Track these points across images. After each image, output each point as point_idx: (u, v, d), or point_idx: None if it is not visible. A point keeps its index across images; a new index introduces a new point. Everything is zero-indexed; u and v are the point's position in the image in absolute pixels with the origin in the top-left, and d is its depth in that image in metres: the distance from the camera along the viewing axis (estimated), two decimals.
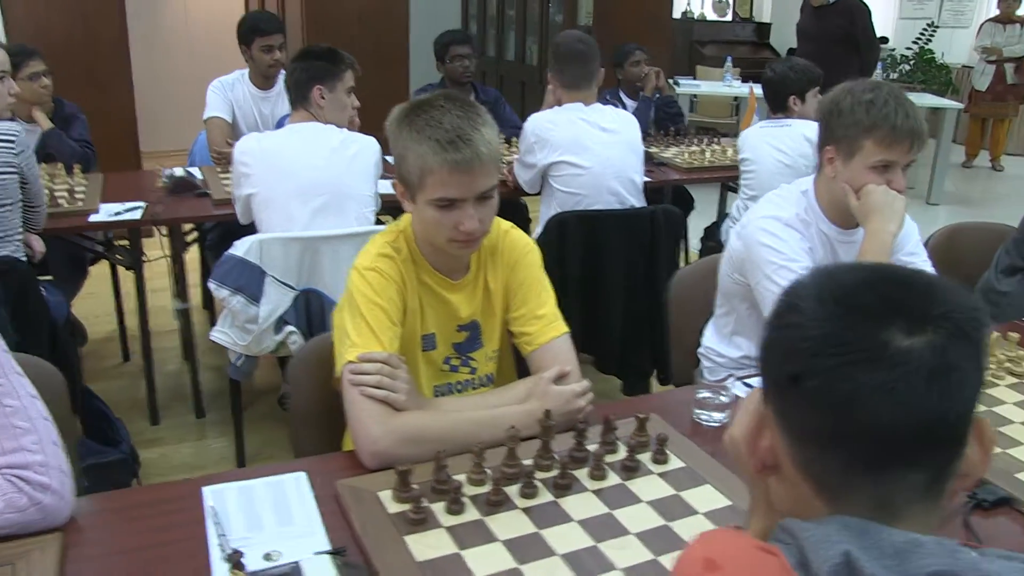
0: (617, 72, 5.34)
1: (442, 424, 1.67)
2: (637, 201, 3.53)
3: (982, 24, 9.57)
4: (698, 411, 1.85)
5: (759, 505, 0.97)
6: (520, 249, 1.93)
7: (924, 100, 8.48)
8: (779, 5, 11.67)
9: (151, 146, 7.00)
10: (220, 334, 2.99)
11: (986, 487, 1.61)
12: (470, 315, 1.90)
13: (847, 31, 6.11)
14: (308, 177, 2.99)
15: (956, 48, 11.11)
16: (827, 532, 0.80)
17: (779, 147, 3.93)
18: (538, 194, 3.65)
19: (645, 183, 4.12)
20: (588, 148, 3.41)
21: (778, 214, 2.24)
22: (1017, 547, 1.50)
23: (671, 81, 8.24)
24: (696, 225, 4.74)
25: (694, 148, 4.74)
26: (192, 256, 4.12)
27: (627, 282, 3.33)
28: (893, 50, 11.29)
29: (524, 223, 3.90)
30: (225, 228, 3.65)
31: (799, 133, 3.91)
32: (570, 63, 3.55)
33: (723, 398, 1.84)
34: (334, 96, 3.13)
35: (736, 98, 8.72)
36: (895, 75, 10.84)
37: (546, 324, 1.88)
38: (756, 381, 0.94)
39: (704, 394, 1.85)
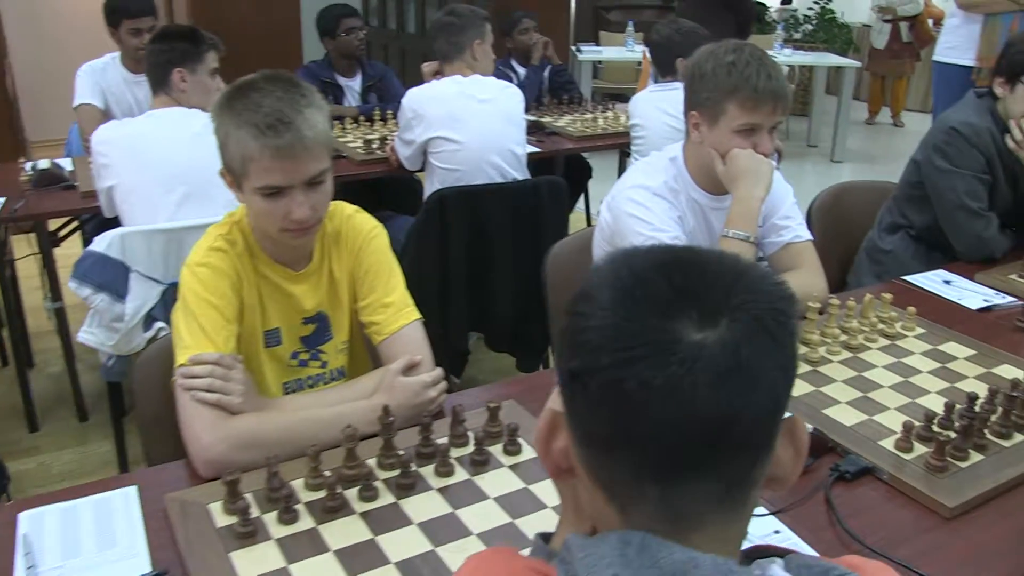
0: (507, 41, 5.23)
1: (280, 425, 1.56)
2: (520, 174, 3.44)
3: None
4: None
5: (567, 511, 0.89)
6: (365, 234, 1.82)
7: (825, 59, 8.55)
8: None
9: (41, 135, 6.70)
10: (87, 335, 2.83)
11: (848, 457, 1.56)
12: (316, 306, 1.80)
13: None
14: (171, 165, 2.84)
15: (856, 8, 11.21)
16: (602, 552, 0.72)
17: (668, 111, 3.86)
18: (422, 171, 3.54)
19: (535, 154, 4.06)
20: (464, 122, 3.30)
21: (646, 183, 2.17)
22: (880, 517, 1.46)
23: (574, 48, 8.16)
24: (597, 193, 4.67)
25: (587, 116, 4.66)
26: (70, 252, 3.92)
27: (514, 256, 3.24)
28: (795, 10, 11.36)
29: (417, 199, 3.77)
30: (100, 220, 3.47)
31: None
32: (439, 35, 3.44)
33: None
34: (196, 79, 2.97)
35: (639, 62, 8.66)
36: (797, 35, 10.91)
37: (395, 312, 1.78)
38: None
39: None
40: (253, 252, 1.72)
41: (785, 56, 8.09)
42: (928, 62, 7.51)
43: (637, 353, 0.71)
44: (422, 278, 3.21)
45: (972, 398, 1.68)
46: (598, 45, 8.52)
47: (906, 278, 2.50)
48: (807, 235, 2.29)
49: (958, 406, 1.67)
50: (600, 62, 8.93)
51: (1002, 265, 2.57)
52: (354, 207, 1.86)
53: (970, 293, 2.40)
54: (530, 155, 4.01)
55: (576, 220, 4.66)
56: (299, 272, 1.76)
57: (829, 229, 3.03)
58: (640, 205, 2.13)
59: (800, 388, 1.79)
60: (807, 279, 2.20)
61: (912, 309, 2.11)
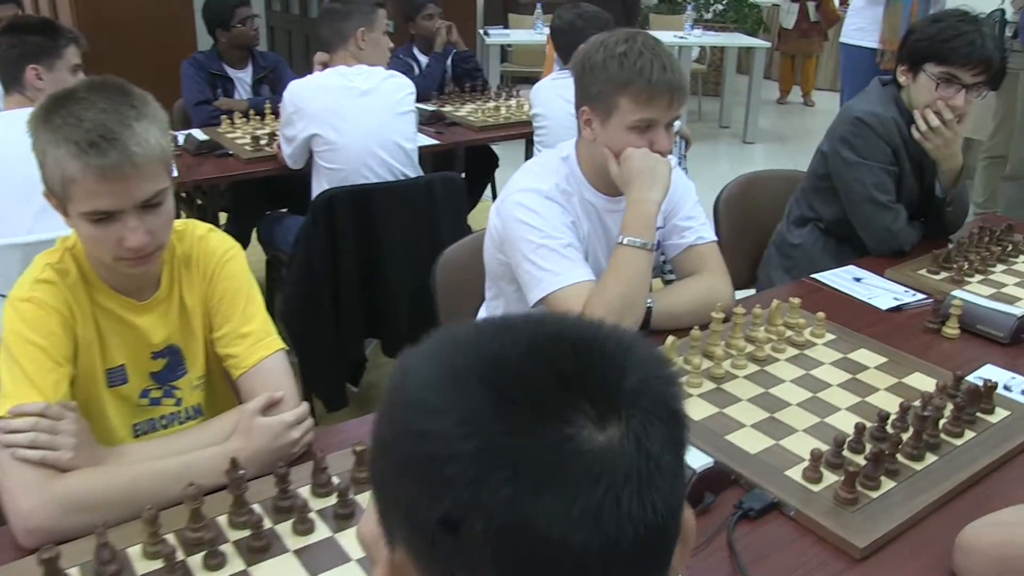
0: (410, 27, 5.04)
1: (117, 482, 1.36)
2: (411, 170, 3.26)
3: None
4: None
5: None
6: (219, 257, 1.63)
7: (735, 40, 8.49)
8: None
9: None
10: None
11: (753, 492, 1.43)
12: (165, 339, 1.60)
13: None
14: (26, 173, 2.58)
15: None
16: None
17: (571, 99, 3.70)
18: (305, 169, 3.32)
19: (434, 146, 3.88)
20: (344, 117, 3.11)
21: (536, 185, 2.01)
22: (787, 560, 1.32)
23: (481, 31, 7.98)
24: (505, 183, 4.51)
25: (490, 105, 4.49)
26: None
27: (410, 258, 3.06)
28: None
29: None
30: None
31: None
32: (322, 22, 3.25)
33: None
34: (54, 76, 2.72)
35: None
36: (708, 15, 10.86)
37: (254, 343, 1.60)
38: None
39: None
40: (89, 281, 1.52)
41: (695, 37, 8.02)
42: (836, 42, 7.50)
43: (538, 478, 0.55)
44: (313, 283, 3.03)
45: (883, 417, 1.56)
46: (507, 28, 8.34)
47: (816, 276, 2.39)
48: (711, 236, 2.16)
49: (869, 425, 1.56)
50: (509, 45, 8.76)
51: (912, 259, 2.48)
52: (208, 226, 1.67)
53: (881, 291, 2.30)
54: (429, 148, 3.85)
55: (484, 210, 4.50)
56: (144, 301, 1.57)
57: (737, 222, 2.92)
58: (529, 210, 1.97)
59: (703, 410, 1.65)
60: (711, 283, 2.08)
61: (821, 315, 1.99)
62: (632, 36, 1.89)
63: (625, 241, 1.88)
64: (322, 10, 3.27)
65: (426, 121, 4.14)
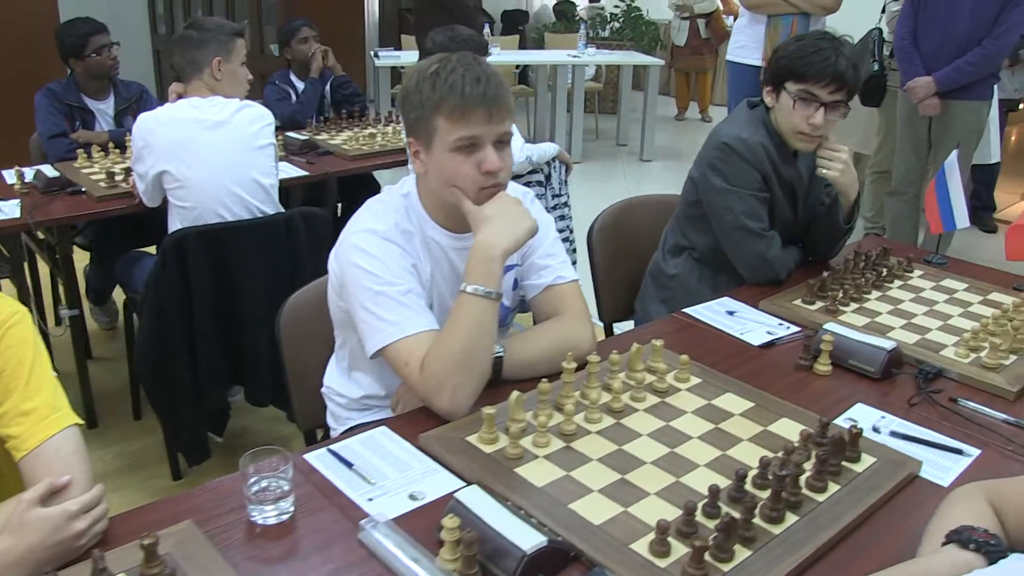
0: (286, 52, 4.86)
1: None
2: (269, 206, 3.07)
3: None
4: (251, 507, 1.42)
5: None
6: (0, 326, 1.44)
7: (628, 58, 8.46)
8: None
9: None
10: None
11: (594, 571, 1.28)
12: None
13: None
14: None
15: (661, 5, 11.25)
16: None
17: None
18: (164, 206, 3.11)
19: (304, 178, 3.71)
20: (195, 152, 2.91)
21: (373, 226, 1.84)
22: None
23: (372, 53, 7.81)
24: None
25: (367, 131, 4.32)
26: None
27: (269, 300, 2.86)
28: (602, 8, 11.33)
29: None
30: None
31: None
32: (175, 50, 3.05)
33: (283, 482, 1.42)
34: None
35: None
36: (605, 33, 10.87)
37: (38, 421, 1.40)
38: None
39: (256, 485, 1.42)
40: None
41: (589, 55, 7.95)
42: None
43: None
44: (165, 330, 2.82)
45: (741, 476, 1.43)
46: (398, 50, 8.18)
47: (688, 311, 2.27)
48: (571, 275, 2.02)
49: (725, 486, 1.43)
50: (402, 67, 8.60)
51: (787, 290, 2.38)
52: None
53: (754, 324, 2.19)
54: (299, 179, 3.67)
55: None
56: None
57: (613, 251, 2.80)
58: (366, 254, 1.80)
59: (547, 474, 1.51)
60: (569, 327, 1.93)
61: (684, 358, 1.87)
62: (447, 56, 1.76)
63: (468, 290, 1.72)
64: (175, 38, 3.07)
65: (297, 151, 3.96)
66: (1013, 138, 8.92)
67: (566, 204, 3.74)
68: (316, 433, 2.21)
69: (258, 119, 3.08)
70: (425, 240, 1.89)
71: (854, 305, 2.30)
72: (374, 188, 4.73)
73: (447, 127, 1.72)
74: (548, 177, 3.61)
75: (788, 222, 2.51)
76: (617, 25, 10.97)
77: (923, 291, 2.43)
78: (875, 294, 2.38)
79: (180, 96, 3.10)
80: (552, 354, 1.83)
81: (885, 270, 2.50)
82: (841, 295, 2.30)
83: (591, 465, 1.54)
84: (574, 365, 1.71)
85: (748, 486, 1.46)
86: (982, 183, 6.17)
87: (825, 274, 2.37)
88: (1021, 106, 6.08)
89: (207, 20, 3.09)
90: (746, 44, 4.93)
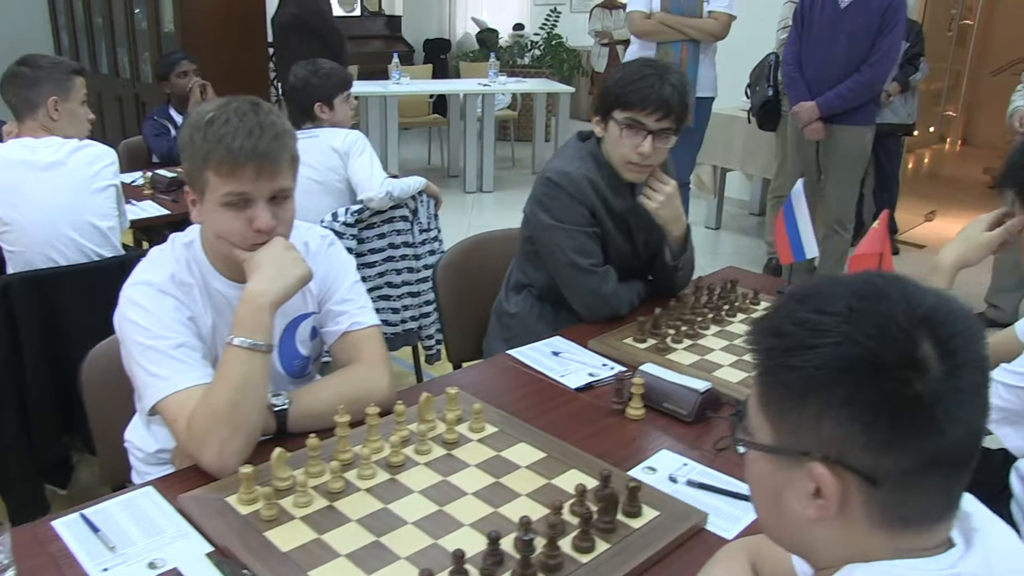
0: (164, 86, 4.75)
1: None
2: (108, 250, 2.93)
3: (592, 9, 9.69)
4: None
5: None
6: None
7: (540, 86, 8.43)
8: None
9: None
10: None
11: None
12: None
13: (299, 18, 5.90)
14: None
15: (582, 32, 11.28)
16: None
17: (308, 162, 3.44)
18: None
19: (163, 217, 3.59)
20: (23, 194, 2.76)
21: (148, 277, 1.74)
22: None
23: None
24: None
25: None
26: None
27: None
28: (521, 36, 11.33)
29: None
30: None
31: (326, 145, 3.47)
32: (6, 88, 2.91)
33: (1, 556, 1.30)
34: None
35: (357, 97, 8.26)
36: (525, 60, 10.87)
37: None
38: None
39: None
40: None
41: (500, 84, 7.90)
42: None
43: None
44: None
45: (494, 539, 1.34)
46: None
47: (511, 352, 2.19)
48: (369, 320, 1.93)
49: (470, 556, 1.34)
50: None
51: (619, 328, 2.30)
52: None
53: (578, 366, 2.11)
54: (160, 219, 3.55)
55: None
56: None
57: (459, 289, 2.72)
58: (138, 306, 1.70)
59: (299, 537, 1.40)
60: (363, 376, 1.84)
61: (478, 406, 1.77)
62: (227, 103, 1.66)
63: (235, 342, 1.62)
64: (6, 75, 2.94)
65: (164, 188, 3.85)
66: (911, 164, 9.02)
67: (436, 239, 3.65)
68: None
69: (97, 159, 2.95)
70: (207, 290, 1.79)
71: (688, 342, 2.23)
72: None
73: (216, 181, 1.64)
74: (415, 212, 3.52)
75: (626, 255, 2.44)
76: (538, 52, 10.97)
77: None
78: (713, 330, 2.32)
79: (13, 135, 2.97)
80: (342, 404, 1.73)
81: (727, 305, 2.43)
82: (674, 332, 2.23)
83: (348, 527, 1.44)
84: (347, 418, 1.62)
85: (512, 546, 1.37)
86: (884, 205, 6.20)
87: (658, 311, 2.28)
88: (916, 132, 6.12)
89: (41, 58, 2.96)
90: None
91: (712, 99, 5.04)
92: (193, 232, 1.82)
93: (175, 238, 1.85)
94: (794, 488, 0.90)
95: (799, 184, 2.63)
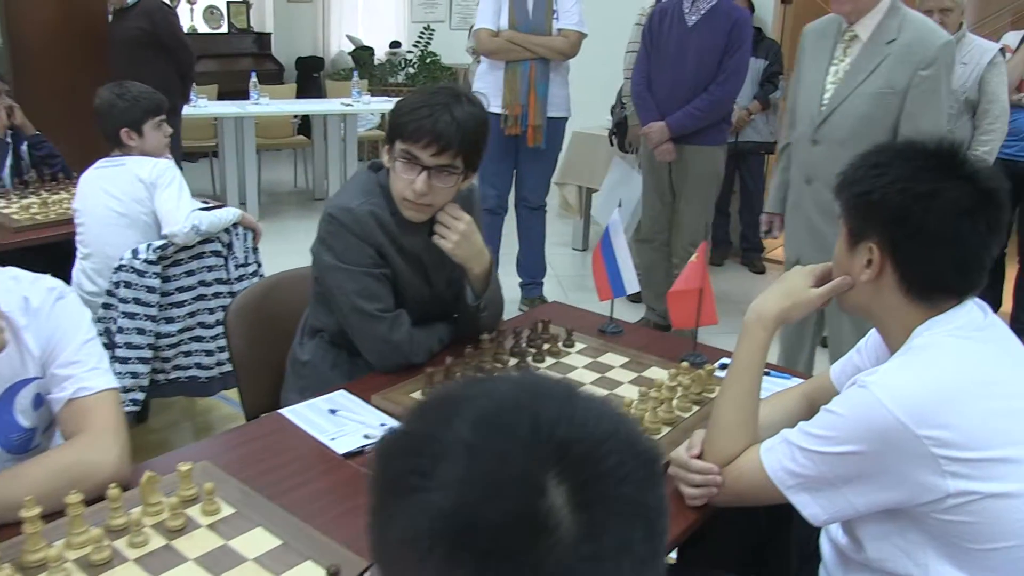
0: None
1: None
2: None
3: (471, 27, 9.51)
4: None
5: None
6: None
7: None
8: (282, 13, 11.08)
9: None
10: None
11: None
12: None
13: (150, 33, 5.66)
14: None
15: (460, 50, 11.11)
16: None
17: (112, 192, 3.20)
18: None
19: None
20: None
21: None
22: None
23: None
24: None
25: (59, 196, 3.87)
26: None
27: None
28: (397, 53, 11.12)
29: None
30: None
31: (132, 174, 3.20)
32: None
33: None
34: None
35: (216, 118, 7.89)
36: (399, 79, 10.66)
37: None
38: None
39: None
40: None
41: (363, 104, 7.67)
42: None
43: None
44: None
45: None
46: None
47: (283, 412, 1.96)
48: (100, 384, 1.67)
49: None
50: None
51: (407, 380, 2.09)
52: None
53: (356, 426, 1.89)
54: None
55: None
56: None
57: (254, 336, 2.47)
58: None
59: None
60: (83, 450, 1.59)
61: (209, 485, 1.54)
62: None
63: None
64: None
65: None
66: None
67: (255, 274, 3.40)
68: None
69: None
70: None
71: None
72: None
73: None
74: (229, 246, 3.26)
75: (425, 298, 2.24)
76: (412, 71, 10.76)
77: (574, 370, 2.19)
78: None
79: None
80: (53, 487, 1.48)
81: (535, 350, 2.25)
82: None
83: None
84: (37, 511, 1.37)
85: None
86: (748, 225, 6.16)
87: (449, 360, 2.07)
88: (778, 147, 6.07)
89: None
90: (486, 91, 4.69)
91: (565, 119, 4.90)
92: None
93: None
94: None
95: (616, 214, 2.46)
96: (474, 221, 2.20)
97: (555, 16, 4.62)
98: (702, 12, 4.27)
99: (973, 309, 1.54)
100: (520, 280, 5.22)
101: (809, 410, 1.77)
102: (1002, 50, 4.26)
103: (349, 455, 1.78)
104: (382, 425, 1.89)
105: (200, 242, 3.15)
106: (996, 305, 5.17)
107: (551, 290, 5.35)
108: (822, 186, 3.08)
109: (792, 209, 3.33)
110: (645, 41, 4.48)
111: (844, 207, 1.60)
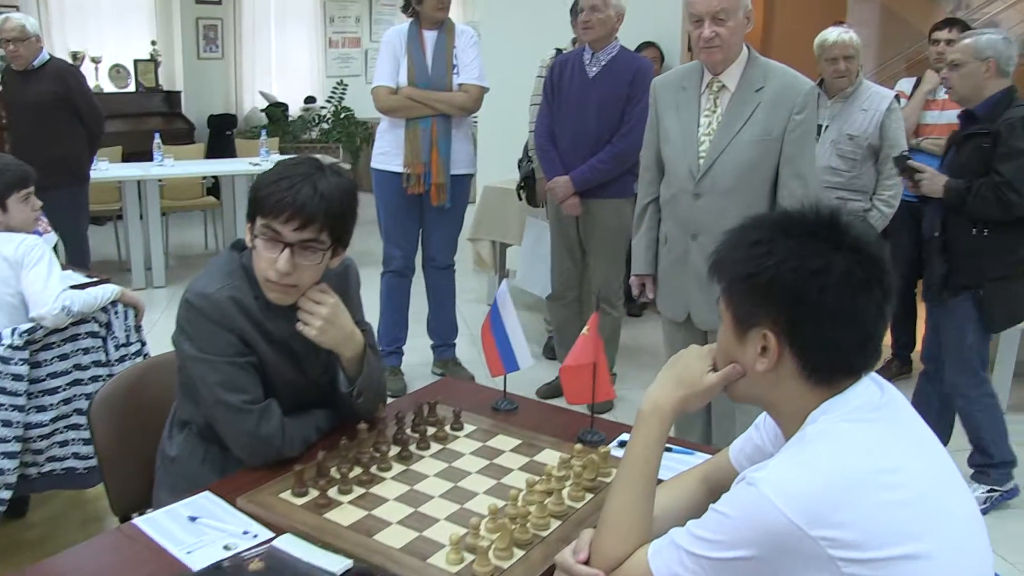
0: None
1: None
2: None
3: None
4: None
5: None
6: None
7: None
8: (192, 70, 10.86)
9: None
10: None
11: None
12: None
13: (62, 97, 5.51)
14: None
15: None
16: None
17: None
18: None
19: None
20: None
21: None
22: None
23: None
24: None
25: None
26: None
27: None
28: (310, 108, 11.00)
29: None
30: None
31: None
32: None
33: None
34: None
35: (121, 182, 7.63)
36: (313, 135, 10.52)
37: None
38: None
39: None
40: None
41: (271, 163, 7.48)
42: None
43: None
44: None
45: None
46: None
47: (136, 522, 1.78)
48: None
49: None
50: None
51: (276, 478, 1.91)
52: None
53: (217, 535, 1.72)
54: None
55: None
56: None
57: (122, 427, 2.29)
58: None
59: None
60: None
61: None
62: None
63: None
64: None
65: None
66: None
67: (139, 353, 3.20)
68: None
69: None
70: None
71: (360, 491, 1.86)
72: None
73: None
74: (108, 326, 3.07)
75: (298, 385, 2.08)
76: (326, 126, 10.64)
77: (461, 457, 2.04)
78: (397, 470, 1.96)
79: None
80: None
81: (419, 436, 2.09)
82: (341, 481, 1.86)
83: None
84: None
85: None
86: None
87: (322, 454, 1.90)
88: None
89: None
90: (387, 150, 4.59)
91: (471, 176, 4.79)
92: None
93: None
94: None
95: (503, 285, 2.33)
96: (350, 300, 2.06)
97: (455, 71, 4.51)
98: (603, 63, 4.20)
99: (870, 387, 1.43)
100: (432, 342, 5.06)
101: (708, 495, 1.65)
102: (897, 96, 4.27)
103: (205, 572, 1.60)
104: (245, 533, 1.71)
105: (74, 323, 2.95)
106: (912, 345, 5.17)
107: (464, 349, 5.18)
108: (709, 240, 2.99)
109: (675, 266, 3.21)
110: (547, 93, 4.40)
111: (727, 292, 1.48)
